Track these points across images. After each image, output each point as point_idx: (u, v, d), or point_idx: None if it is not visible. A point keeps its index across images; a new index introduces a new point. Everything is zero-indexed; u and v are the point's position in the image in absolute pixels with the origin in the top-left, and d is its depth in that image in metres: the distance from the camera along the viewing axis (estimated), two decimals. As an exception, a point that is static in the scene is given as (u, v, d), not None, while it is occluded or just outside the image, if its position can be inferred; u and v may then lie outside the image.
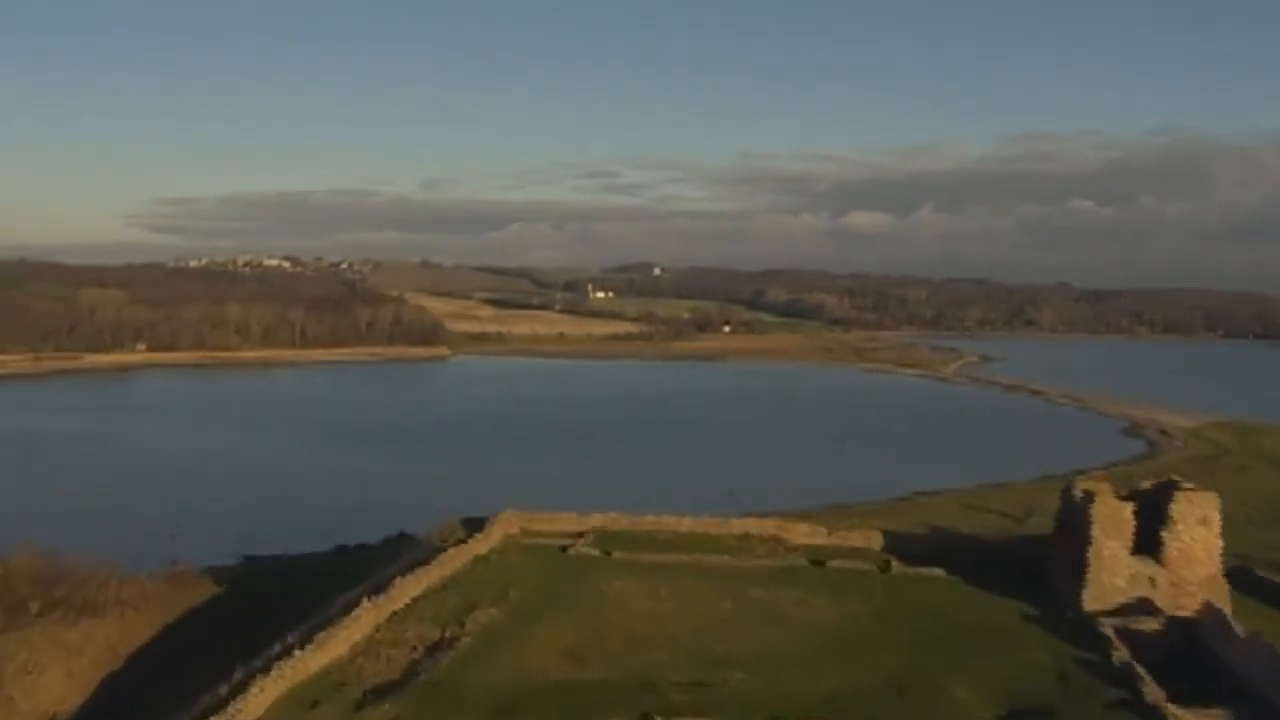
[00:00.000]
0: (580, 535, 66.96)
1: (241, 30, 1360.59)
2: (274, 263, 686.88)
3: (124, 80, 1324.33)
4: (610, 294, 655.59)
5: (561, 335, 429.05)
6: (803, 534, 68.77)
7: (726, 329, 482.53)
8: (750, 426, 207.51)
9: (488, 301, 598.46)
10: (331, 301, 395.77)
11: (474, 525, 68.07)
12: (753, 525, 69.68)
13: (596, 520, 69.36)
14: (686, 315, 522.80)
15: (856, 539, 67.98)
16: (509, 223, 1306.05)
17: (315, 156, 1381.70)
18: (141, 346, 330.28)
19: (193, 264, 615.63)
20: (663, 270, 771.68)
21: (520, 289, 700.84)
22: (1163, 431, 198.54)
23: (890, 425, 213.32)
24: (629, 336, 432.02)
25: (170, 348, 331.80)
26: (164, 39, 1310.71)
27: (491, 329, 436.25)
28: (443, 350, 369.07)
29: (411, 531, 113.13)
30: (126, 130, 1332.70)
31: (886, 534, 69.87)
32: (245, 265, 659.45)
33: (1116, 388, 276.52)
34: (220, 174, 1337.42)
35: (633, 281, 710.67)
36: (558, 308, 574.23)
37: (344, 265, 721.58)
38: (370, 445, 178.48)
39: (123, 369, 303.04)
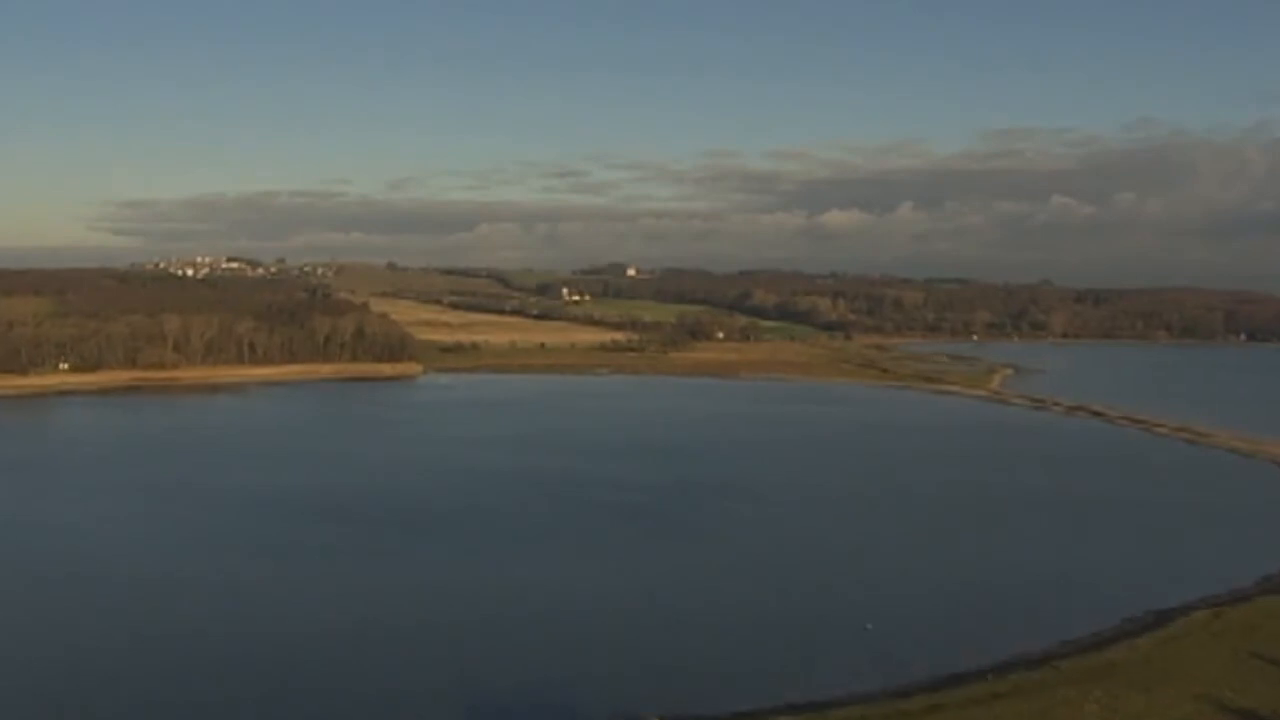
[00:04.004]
0: None
1: (204, 32, 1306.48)
2: (234, 265, 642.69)
3: (88, 83, 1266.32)
4: (586, 297, 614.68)
5: (543, 346, 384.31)
6: None
7: (720, 336, 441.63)
8: (835, 489, 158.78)
9: (457, 306, 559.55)
10: (286, 312, 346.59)
11: None
12: None
13: None
14: (673, 320, 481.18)
15: None
16: (475, 223, 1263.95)
17: (279, 158, 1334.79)
18: (64, 366, 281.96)
19: (148, 267, 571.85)
20: (637, 272, 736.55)
21: (490, 291, 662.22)
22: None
23: (1017, 479, 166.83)
24: (616, 346, 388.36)
25: (97, 367, 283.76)
26: (125, 41, 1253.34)
27: (464, 337, 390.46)
28: (413, 367, 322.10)
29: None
30: (90, 134, 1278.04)
31: None
32: (204, 267, 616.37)
33: (1206, 411, 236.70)
34: (184, 176, 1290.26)
35: (607, 284, 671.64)
36: (534, 313, 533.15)
37: (306, 268, 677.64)
38: (318, 536, 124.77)
39: (34, 396, 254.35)
